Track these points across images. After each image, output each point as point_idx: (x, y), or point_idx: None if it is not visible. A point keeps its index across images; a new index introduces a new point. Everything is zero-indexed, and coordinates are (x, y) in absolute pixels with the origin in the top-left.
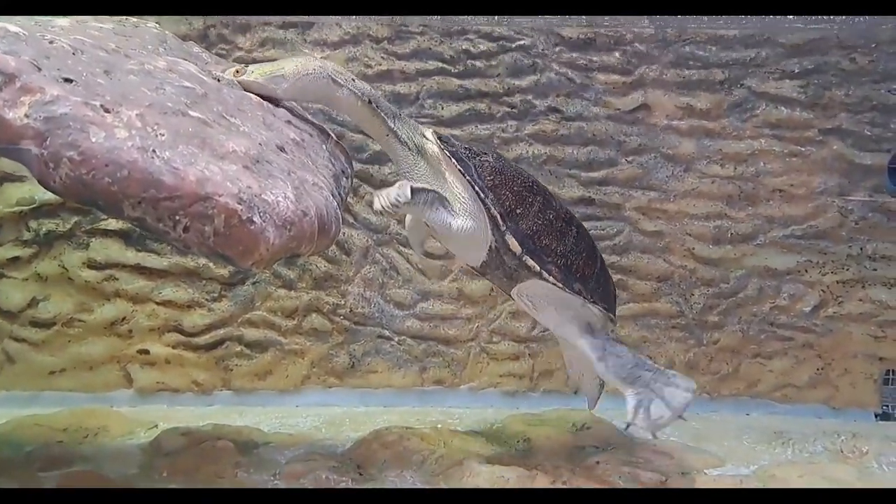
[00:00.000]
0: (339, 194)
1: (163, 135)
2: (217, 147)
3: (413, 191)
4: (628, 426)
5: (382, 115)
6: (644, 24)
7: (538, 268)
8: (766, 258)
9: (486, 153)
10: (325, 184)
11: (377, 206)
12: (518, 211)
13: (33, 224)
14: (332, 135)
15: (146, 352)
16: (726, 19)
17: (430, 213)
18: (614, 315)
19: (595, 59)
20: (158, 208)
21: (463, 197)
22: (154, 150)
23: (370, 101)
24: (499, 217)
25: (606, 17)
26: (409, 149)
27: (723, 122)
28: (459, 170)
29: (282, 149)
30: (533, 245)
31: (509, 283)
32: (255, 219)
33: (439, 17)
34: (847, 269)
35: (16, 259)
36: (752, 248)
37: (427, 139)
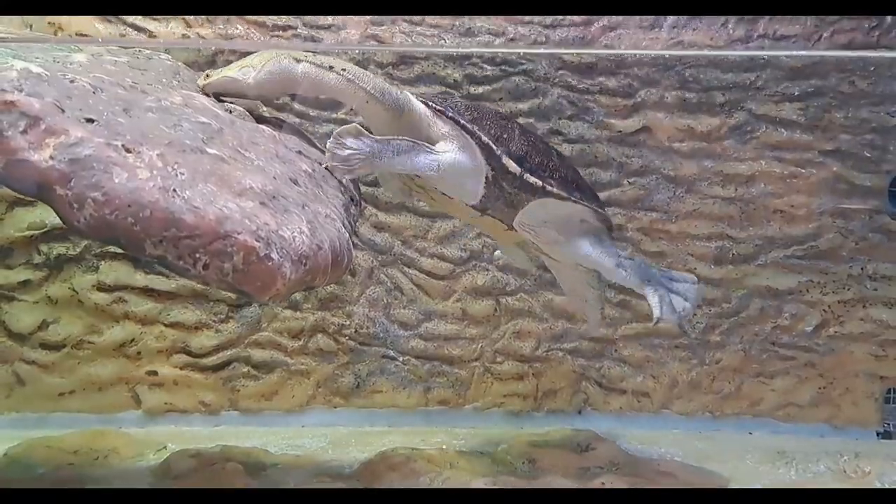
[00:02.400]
0: (350, 224)
1: (183, 174)
2: (234, 184)
3: (380, 141)
4: (658, 321)
5: (356, 81)
6: (645, 45)
7: (540, 183)
8: (767, 278)
9: (453, 96)
10: (337, 214)
11: (331, 163)
12: (504, 136)
13: (44, 248)
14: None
15: (154, 373)
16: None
17: (411, 162)
18: (611, 222)
19: (596, 82)
20: (179, 246)
21: (451, 135)
22: (175, 190)
23: (331, 68)
24: (491, 143)
25: (607, 40)
26: (394, 111)
27: (723, 143)
28: (438, 109)
29: (295, 182)
30: (528, 164)
31: (511, 212)
32: (272, 255)
33: (444, 43)
34: (848, 289)
35: (27, 282)
36: (754, 269)
37: (410, 97)
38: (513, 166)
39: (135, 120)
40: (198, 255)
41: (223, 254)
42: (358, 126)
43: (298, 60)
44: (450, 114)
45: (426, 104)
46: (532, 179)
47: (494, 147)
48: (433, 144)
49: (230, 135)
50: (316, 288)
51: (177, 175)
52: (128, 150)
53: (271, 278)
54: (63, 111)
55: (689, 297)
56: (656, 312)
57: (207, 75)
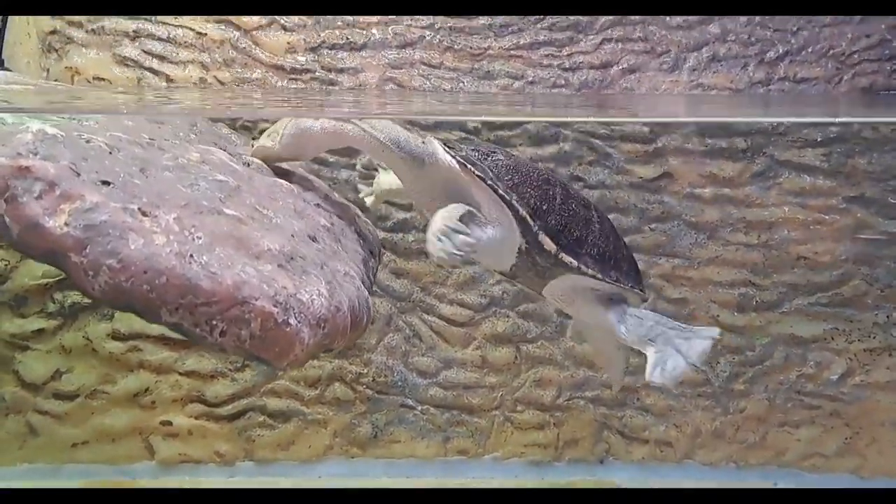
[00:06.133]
0: (369, 279)
1: (199, 237)
2: (252, 246)
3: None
4: (650, 381)
5: (370, 130)
6: (664, 88)
7: (576, 263)
8: (791, 326)
9: (495, 151)
10: (356, 271)
11: (440, 259)
12: (544, 207)
13: (58, 296)
14: (360, 213)
15: (169, 423)
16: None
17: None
18: (645, 292)
19: (617, 127)
20: (195, 314)
21: (486, 203)
22: (192, 255)
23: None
24: (528, 217)
25: (627, 82)
26: (412, 162)
27: (746, 189)
28: (479, 175)
29: (314, 238)
30: (566, 240)
31: (540, 282)
32: (290, 321)
33: (463, 86)
34: (874, 337)
35: (40, 331)
36: (778, 316)
37: (436, 148)
38: (548, 244)
39: (151, 180)
40: (214, 323)
41: (240, 320)
42: (471, 210)
43: (315, 118)
44: (489, 182)
45: (464, 164)
46: (567, 259)
47: (532, 222)
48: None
49: (248, 192)
50: (334, 350)
51: (193, 239)
52: (144, 214)
53: (289, 345)
54: (78, 174)
55: (690, 355)
56: (647, 374)
57: (252, 145)
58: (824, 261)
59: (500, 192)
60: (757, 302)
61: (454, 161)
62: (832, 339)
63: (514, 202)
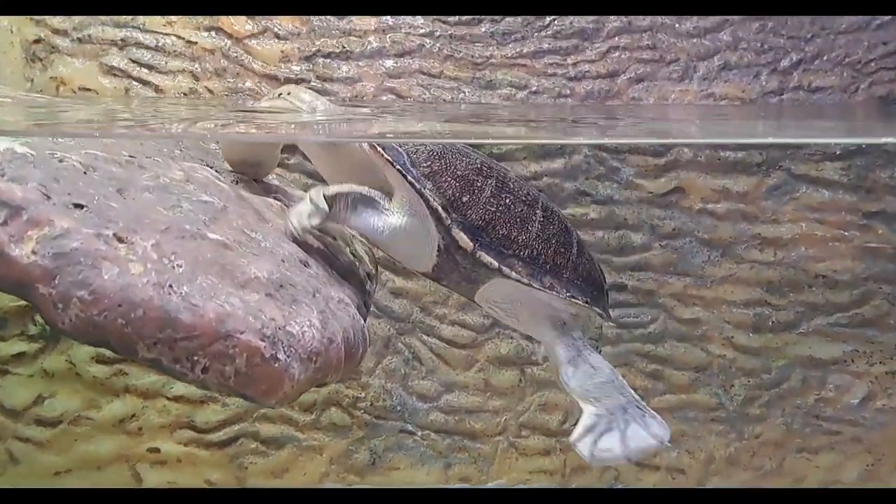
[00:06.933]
0: (366, 304)
1: (180, 265)
2: (238, 274)
3: (328, 198)
4: (573, 444)
5: (289, 100)
6: (673, 98)
7: (496, 264)
8: (809, 347)
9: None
10: (352, 297)
11: (292, 230)
12: (465, 199)
13: (39, 318)
14: (357, 234)
15: (157, 450)
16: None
17: (354, 220)
18: (604, 309)
19: (626, 139)
20: (175, 349)
21: (402, 192)
22: (171, 286)
23: (279, 95)
24: (440, 209)
25: (634, 92)
26: (330, 143)
27: (761, 205)
28: (387, 159)
29: (305, 263)
30: (487, 238)
31: (469, 287)
32: (279, 355)
33: (464, 96)
34: None
35: (21, 355)
36: (795, 337)
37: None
38: (464, 241)
39: (129, 202)
40: (196, 358)
41: (224, 356)
42: (373, 196)
43: None
44: (398, 166)
45: (375, 148)
46: (487, 259)
47: (444, 215)
48: (388, 197)
49: (235, 213)
50: (327, 385)
51: (174, 267)
52: (120, 240)
53: (277, 381)
54: (49, 198)
55: (631, 445)
56: (575, 434)
57: None
58: (844, 279)
59: (410, 179)
60: (773, 322)
61: (369, 147)
62: (852, 361)
63: (425, 191)
